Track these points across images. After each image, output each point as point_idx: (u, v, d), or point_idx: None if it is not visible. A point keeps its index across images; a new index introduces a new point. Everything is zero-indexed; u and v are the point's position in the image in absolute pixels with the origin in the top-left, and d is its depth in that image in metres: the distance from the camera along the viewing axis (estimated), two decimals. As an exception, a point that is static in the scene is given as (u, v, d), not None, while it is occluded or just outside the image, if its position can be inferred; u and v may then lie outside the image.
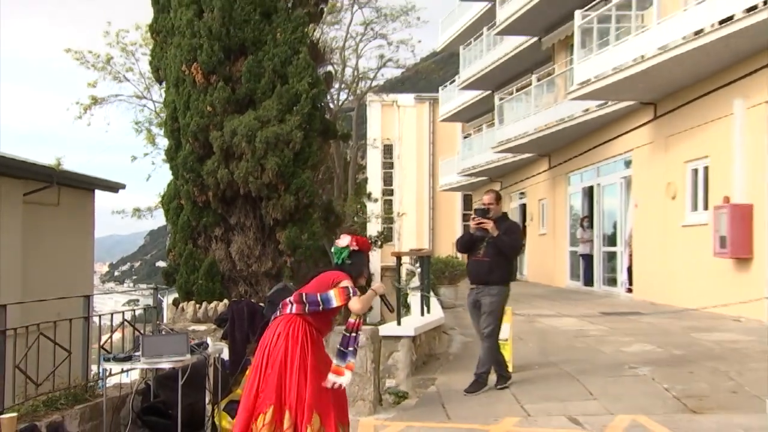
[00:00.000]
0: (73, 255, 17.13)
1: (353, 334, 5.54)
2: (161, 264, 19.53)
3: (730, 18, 11.80)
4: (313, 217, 12.89)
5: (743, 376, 8.23)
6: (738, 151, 13.03)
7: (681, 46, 12.95)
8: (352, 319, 5.57)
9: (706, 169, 14.57)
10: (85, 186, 18.21)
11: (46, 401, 7.15)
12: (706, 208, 14.38)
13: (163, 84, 14.05)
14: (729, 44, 12.16)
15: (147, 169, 36.32)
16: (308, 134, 12.49)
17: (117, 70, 23.50)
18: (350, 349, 5.50)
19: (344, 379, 5.41)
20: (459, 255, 14.57)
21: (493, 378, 8.31)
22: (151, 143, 24.37)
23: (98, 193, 18.94)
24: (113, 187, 19.41)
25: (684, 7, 13.39)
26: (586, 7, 16.81)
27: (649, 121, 16.84)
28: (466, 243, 8.49)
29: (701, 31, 12.47)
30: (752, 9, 11.18)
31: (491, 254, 8.07)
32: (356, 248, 5.79)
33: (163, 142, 15.39)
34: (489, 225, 7.97)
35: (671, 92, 15.43)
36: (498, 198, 8.54)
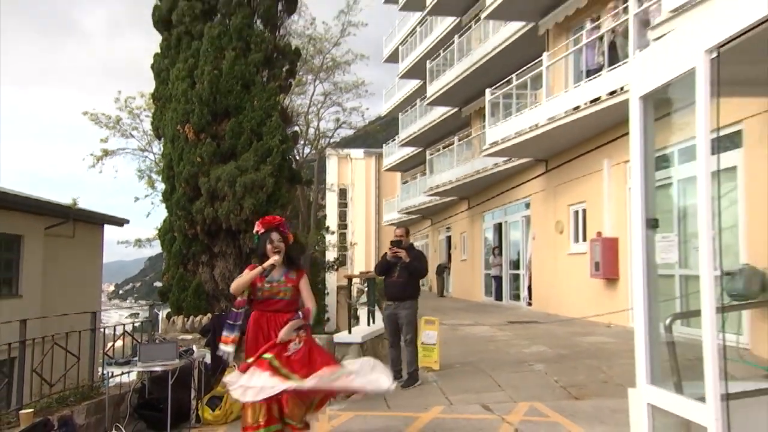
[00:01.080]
0: (84, 277, 16.91)
1: (239, 311, 5.26)
2: (158, 284, 19.30)
3: (598, 98, 12.24)
4: (280, 247, 12.94)
5: (612, 370, 8.46)
6: (606, 198, 13.44)
7: (564, 118, 13.32)
8: (239, 298, 5.30)
9: (584, 210, 14.92)
10: (95, 221, 18.01)
11: (59, 398, 7.18)
12: (584, 240, 14.68)
13: (162, 140, 13.98)
14: (598, 118, 12.55)
15: (147, 207, 36.17)
16: (278, 180, 12.51)
17: (124, 128, 23.40)
18: (236, 323, 5.26)
19: (228, 348, 5.26)
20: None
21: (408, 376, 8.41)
22: (151, 187, 24.30)
23: (107, 227, 18.72)
24: (119, 222, 19.24)
25: (565, 90, 13.85)
26: (494, 87, 17.23)
27: (542, 174, 17.17)
28: (384, 267, 8.53)
29: (578, 107, 12.87)
30: (613, 93, 11.68)
31: (404, 276, 8.23)
32: (259, 230, 5.29)
33: (161, 186, 15.34)
34: (402, 253, 8.14)
35: (558, 152, 15.75)
36: (407, 232, 8.77)
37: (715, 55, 3.74)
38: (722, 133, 5.71)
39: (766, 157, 7.71)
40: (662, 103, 4.91)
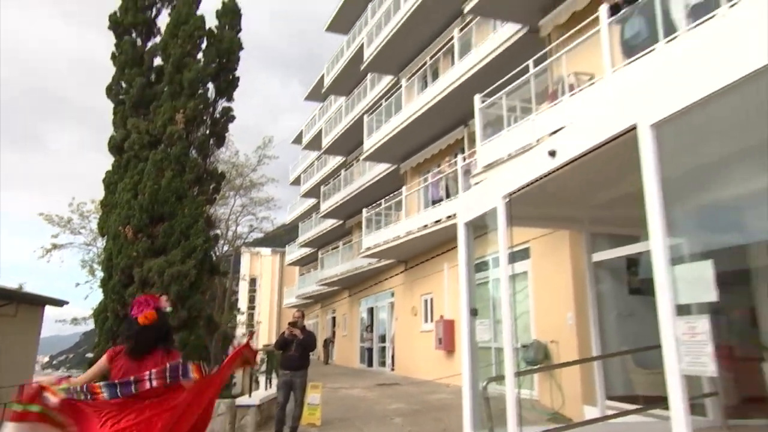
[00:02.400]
0: (21, 351, 15.05)
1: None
2: (89, 355, 17.41)
3: (439, 220, 12.86)
4: (198, 324, 12.22)
5: (450, 420, 8.47)
6: (446, 291, 13.81)
7: (417, 232, 13.78)
8: None
9: (431, 299, 15.19)
10: (36, 302, 16.27)
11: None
12: (431, 321, 14.85)
13: (105, 237, 13.17)
14: (439, 234, 13.02)
15: (86, 291, 33.29)
16: (200, 272, 12.04)
17: (74, 227, 21.76)
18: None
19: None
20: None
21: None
22: (91, 275, 22.37)
23: (47, 307, 16.89)
24: (59, 303, 17.41)
25: (418, 213, 14.49)
26: (369, 207, 17.75)
27: (402, 272, 17.47)
28: (282, 343, 8.32)
29: (426, 225, 13.39)
30: (449, 217, 12.16)
31: (299, 350, 8.13)
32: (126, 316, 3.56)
33: (100, 275, 14.25)
34: (297, 332, 8.08)
35: (413, 256, 16.10)
36: (303, 315, 8.74)
37: (508, 199, 4.23)
38: (516, 249, 6.28)
39: (546, 266, 8.45)
40: (479, 227, 5.37)
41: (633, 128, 3.15)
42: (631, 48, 5.68)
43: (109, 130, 13.34)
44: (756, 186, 3.33)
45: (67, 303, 17.80)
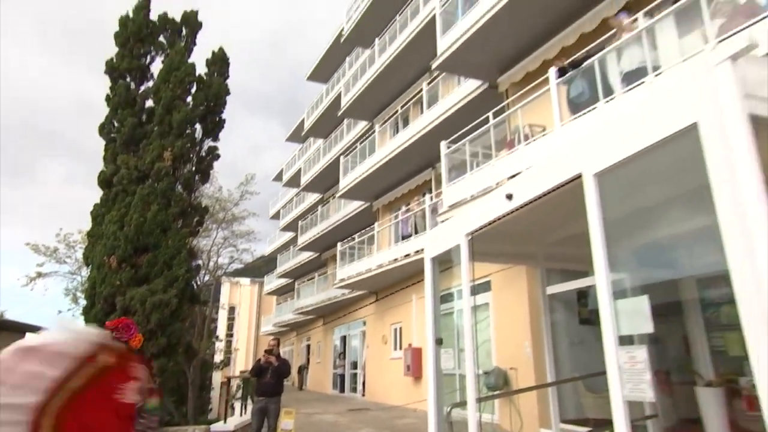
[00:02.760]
0: None
1: None
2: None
3: (408, 254, 12.83)
4: (178, 351, 11.82)
5: (416, 445, 8.38)
6: (414, 320, 13.75)
7: (388, 265, 13.74)
8: None
9: (400, 328, 15.09)
10: (17, 329, 15.49)
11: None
12: (400, 349, 14.74)
13: (90, 267, 12.77)
14: (408, 267, 12.99)
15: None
16: (181, 300, 11.74)
17: (60, 256, 20.98)
18: None
19: None
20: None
21: None
22: (74, 303, 21.49)
23: (29, 334, 16.09)
24: (38, 330, 16.67)
25: (389, 247, 14.54)
26: (343, 241, 17.72)
27: (373, 302, 17.35)
28: (258, 370, 8.08)
29: (396, 259, 13.39)
30: (418, 251, 12.13)
31: (274, 377, 7.89)
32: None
33: (83, 303, 13.71)
34: (273, 359, 7.87)
35: (384, 287, 16.05)
36: (278, 342, 8.53)
37: (470, 237, 4.33)
38: (479, 282, 6.37)
39: (505, 298, 8.55)
40: (445, 261, 5.44)
41: (578, 177, 3.30)
42: (576, 105, 5.95)
43: (98, 164, 13.18)
44: (685, 228, 3.50)
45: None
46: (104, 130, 13.29)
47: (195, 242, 17.77)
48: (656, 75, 4.98)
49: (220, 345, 34.32)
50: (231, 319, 41.46)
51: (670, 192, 3.56)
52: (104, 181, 12.71)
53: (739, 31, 4.26)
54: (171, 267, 11.87)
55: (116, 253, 11.50)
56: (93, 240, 12.48)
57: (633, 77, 5.22)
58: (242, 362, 37.34)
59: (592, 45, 6.30)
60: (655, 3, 5.64)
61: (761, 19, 4.25)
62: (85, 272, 17.99)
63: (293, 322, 28.66)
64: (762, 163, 2.25)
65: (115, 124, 13.29)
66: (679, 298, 5.12)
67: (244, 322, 41.17)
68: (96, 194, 12.99)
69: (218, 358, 32.76)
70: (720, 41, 4.27)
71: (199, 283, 24.07)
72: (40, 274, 20.53)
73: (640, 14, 5.76)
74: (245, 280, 41.45)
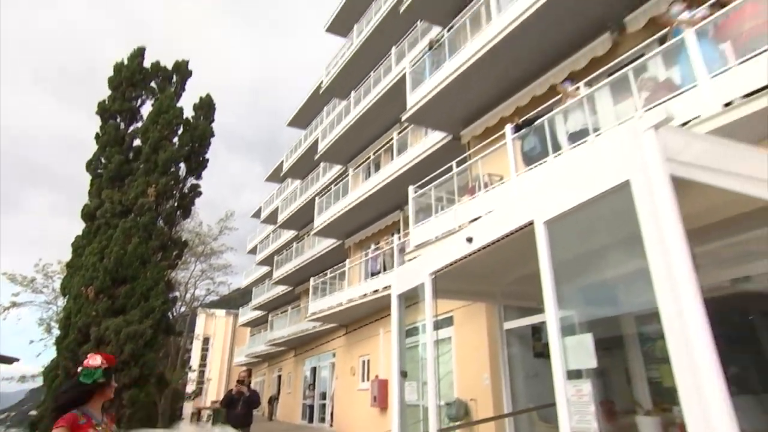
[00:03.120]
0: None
1: None
2: (33, 413, 15.34)
3: (377, 290, 12.76)
4: (149, 382, 11.26)
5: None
6: (381, 353, 13.53)
7: (357, 300, 13.58)
8: None
9: (368, 361, 14.81)
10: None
11: None
12: (368, 380, 14.41)
13: (66, 297, 12.19)
14: (376, 302, 12.87)
15: (39, 349, 29.91)
16: (156, 331, 11.31)
17: (36, 286, 19.86)
18: None
19: None
20: None
21: None
22: (47, 333, 20.25)
23: None
24: (8, 360, 15.55)
25: (359, 283, 14.43)
26: (316, 276, 17.50)
27: (343, 335, 17.02)
28: (228, 401, 7.76)
29: (365, 294, 13.27)
30: (386, 288, 12.13)
31: (245, 408, 7.59)
32: (104, 365, 2.99)
33: (56, 333, 12.96)
34: (244, 389, 7.61)
35: (353, 321, 15.83)
36: (250, 373, 8.27)
37: (434, 276, 4.39)
38: (442, 317, 6.39)
39: (466, 332, 8.56)
40: (411, 297, 5.46)
41: (531, 223, 3.44)
42: (529, 158, 6.23)
43: (81, 198, 12.82)
44: (624, 270, 3.65)
45: (17, 360, 15.97)
46: (91, 166, 13.03)
47: (173, 274, 17.25)
48: (596, 135, 5.30)
49: (192, 375, 32.84)
50: (205, 350, 39.87)
51: (611, 238, 3.73)
52: (88, 214, 12.37)
53: (661, 103, 4.62)
54: (148, 298, 11.49)
55: (94, 284, 11.08)
56: (72, 271, 12.02)
57: (577, 137, 5.53)
58: (214, 392, 35.71)
59: (543, 107, 6.67)
60: (594, 75, 6.06)
61: (677, 95, 4.63)
62: (62, 302, 17.14)
63: (266, 353, 27.75)
64: (683, 216, 2.42)
65: (103, 161, 13.06)
66: (621, 333, 5.27)
67: (218, 352, 39.68)
68: (78, 226, 12.57)
69: (190, 388, 31.29)
70: (646, 110, 4.61)
71: (175, 314, 23.24)
72: (14, 304, 19.38)
73: (581, 83, 6.17)
74: (221, 312, 40.14)
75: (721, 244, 4.07)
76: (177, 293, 19.85)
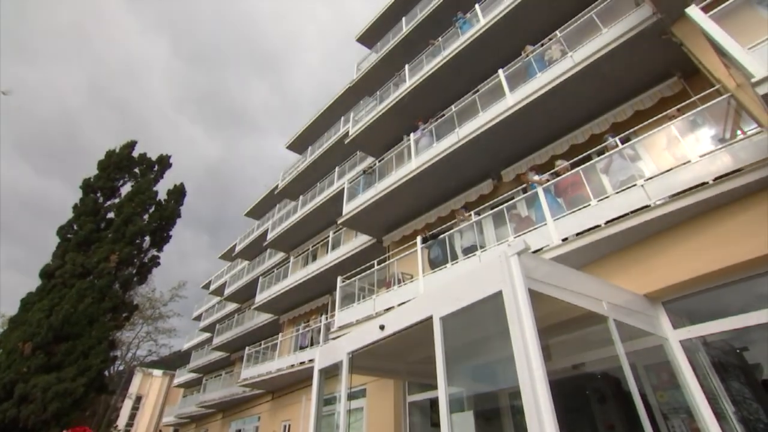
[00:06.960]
0: None
1: None
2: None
3: (304, 362, 11.84)
4: (66, 444, 9.07)
5: None
6: (302, 418, 12.20)
7: (286, 370, 12.47)
8: None
9: (290, 425, 13.16)
10: None
11: None
12: None
13: (0, 351, 9.97)
14: (302, 374, 11.91)
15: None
16: (88, 390, 9.41)
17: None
18: None
19: None
20: None
21: None
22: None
23: None
24: None
25: (288, 355, 13.31)
26: (250, 346, 15.92)
27: (269, 400, 15.16)
28: None
29: (293, 365, 12.27)
30: (312, 360, 11.09)
31: None
32: None
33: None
34: None
35: (280, 388, 14.28)
36: None
37: (351, 355, 4.23)
38: (357, 389, 6.00)
39: (376, 403, 8.03)
40: (331, 370, 5.13)
41: (430, 318, 3.52)
42: (433, 263, 6.51)
43: (41, 255, 11.14)
44: (500, 355, 3.76)
45: None
46: (63, 231, 11.60)
47: (119, 334, 14.89)
48: (482, 252, 5.74)
49: (115, 436, 26.73)
50: (135, 409, 33.18)
51: (489, 331, 3.89)
52: (46, 272, 10.72)
53: (524, 234, 5.20)
54: (87, 356, 9.73)
55: (33, 340, 9.24)
56: (14, 326, 10.00)
57: (469, 250, 5.95)
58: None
59: (446, 225, 7.17)
60: (481, 207, 6.75)
61: (533, 229, 5.26)
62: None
63: (195, 414, 23.62)
64: (537, 318, 2.64)
65: (75, 227, 11.71)
66: (498, 406, 5.24)
67: (148, 411, 33.12)
68: (33, 283, 10.74)
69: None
70: (515, 236, 5.15)
71: (111, 372, 19.57)
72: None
73: (472, 212, 6.81)
74: (158, 372, 34.32)
75: (566, 338, 4.38)
76: (118, 352, 17.00)
